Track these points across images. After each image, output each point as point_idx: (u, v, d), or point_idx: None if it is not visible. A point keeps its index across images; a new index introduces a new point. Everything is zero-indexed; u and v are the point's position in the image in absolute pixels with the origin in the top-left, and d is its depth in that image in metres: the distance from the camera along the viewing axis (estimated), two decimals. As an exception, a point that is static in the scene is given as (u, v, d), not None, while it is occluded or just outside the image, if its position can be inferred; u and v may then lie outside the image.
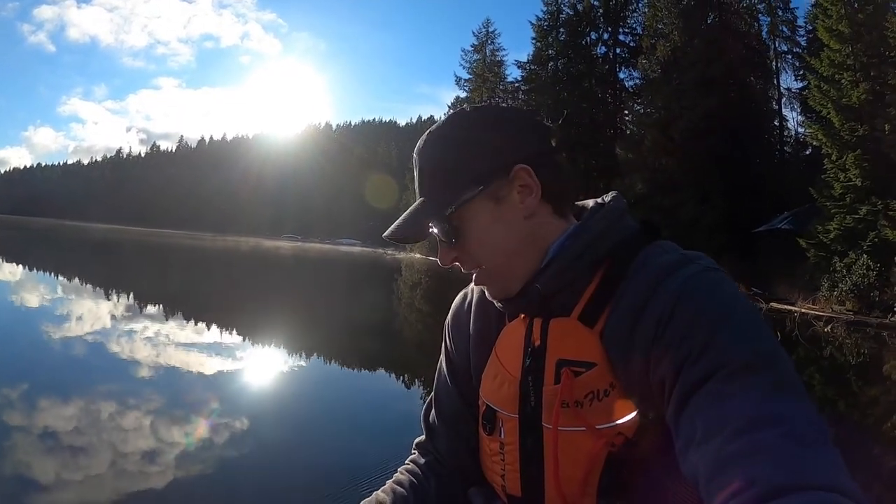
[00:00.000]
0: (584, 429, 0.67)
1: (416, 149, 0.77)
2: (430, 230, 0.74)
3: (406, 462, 0.93)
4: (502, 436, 0.76)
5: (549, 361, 0.71)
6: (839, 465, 0.49)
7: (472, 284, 0.86)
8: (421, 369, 5.78)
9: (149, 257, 24.43)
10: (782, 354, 0.58)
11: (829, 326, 12.61)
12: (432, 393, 0.94)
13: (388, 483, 0.88)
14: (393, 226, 0.74)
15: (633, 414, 0.66)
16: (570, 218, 0.77)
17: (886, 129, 15.85)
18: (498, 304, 0.79)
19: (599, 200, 0.78)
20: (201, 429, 3.48)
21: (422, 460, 0.91)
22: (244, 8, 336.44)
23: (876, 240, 15.53)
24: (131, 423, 3.46)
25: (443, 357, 0.93)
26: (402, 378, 5.81)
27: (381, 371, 6.08)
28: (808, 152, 28.44)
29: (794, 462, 0.47)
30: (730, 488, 0.48)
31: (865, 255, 15.39)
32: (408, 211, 0.74)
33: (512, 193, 0.72)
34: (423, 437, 0.94)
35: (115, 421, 3.45)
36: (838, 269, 16.45)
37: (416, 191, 0.76)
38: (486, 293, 0.80)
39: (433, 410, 0.92)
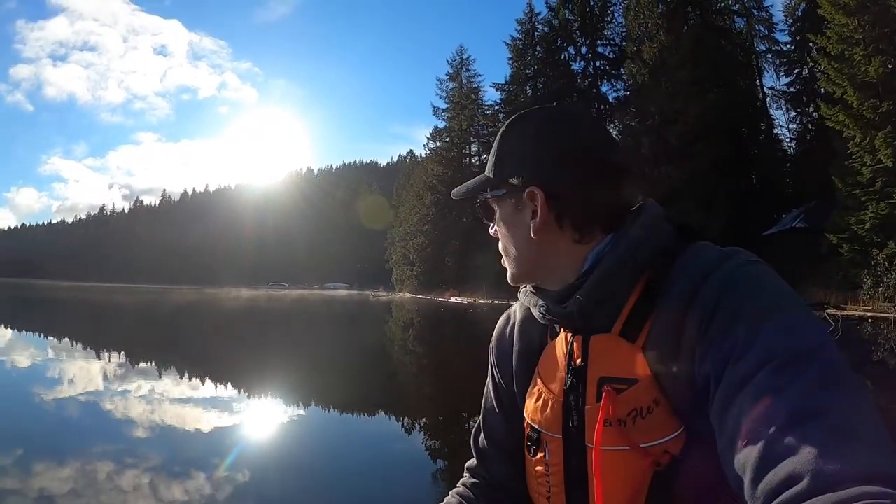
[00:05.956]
0: (627, 448, 0.64)
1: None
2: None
3: (457, 485, 0.93)
4: (547, 457, 0.75)
5: (591, 379, 0.69)
6: (887, 454, 0.46)
7: (514, 306, 0.88)
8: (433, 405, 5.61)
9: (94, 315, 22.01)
10: (830, 346, 0.55)
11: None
12: (480, 417, 0.93)
13: None
14: (457, 189, 0.83)
15: (680, 430, 0.63)
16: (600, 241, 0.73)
17: (913, 102, 14.31)
18: (538, 314, 0.76)
19: (633, 209, 0.73)
20: (204, 486, 3.24)
21: (472, 482, 0.91)
22: (220, 59, 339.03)
23: (920, 225, 13.81)
24: (130, 482, 3.24)
25: (489, 381, 0.93)
26: (421, 416, 5.36)
27: (390, 412, 5.63)
28: (791, 152, 27.72)
29: (835, 458, 0.45)
30: (771, 487, 0.47)
31: (911, 244, 13.65)
32: (473, 179, 0.80)
33: (526, 209, 0.72)
34: (473, 461, 0.94)
35: (113, 480, 3.26)
36: (880, 262, 14.67)
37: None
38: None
39: (482, 434, 0.92)
